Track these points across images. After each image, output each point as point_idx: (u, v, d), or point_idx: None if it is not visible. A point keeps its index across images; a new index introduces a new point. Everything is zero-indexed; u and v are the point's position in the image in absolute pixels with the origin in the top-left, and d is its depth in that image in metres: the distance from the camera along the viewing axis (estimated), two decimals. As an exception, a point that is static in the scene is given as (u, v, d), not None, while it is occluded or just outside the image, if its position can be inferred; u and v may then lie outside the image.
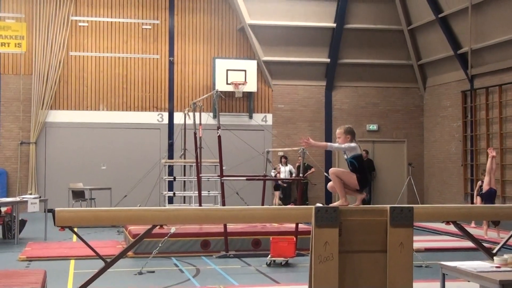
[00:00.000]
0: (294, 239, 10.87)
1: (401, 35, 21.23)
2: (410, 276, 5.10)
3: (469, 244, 10.39)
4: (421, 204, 17.00)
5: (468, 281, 6.72)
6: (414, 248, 7.72)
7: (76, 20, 19.92)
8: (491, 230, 14.01)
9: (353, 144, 7.08)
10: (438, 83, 20.88)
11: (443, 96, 20.62)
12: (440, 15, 19.21)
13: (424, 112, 21.73)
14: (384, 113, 21.66)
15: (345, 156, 7.05)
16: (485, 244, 8.13)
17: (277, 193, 19.71)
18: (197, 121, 13.95)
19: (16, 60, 19.56)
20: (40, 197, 14.68)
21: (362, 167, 6.99)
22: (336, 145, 7.13)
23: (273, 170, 19.05)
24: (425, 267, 10.21)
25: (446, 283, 6.42)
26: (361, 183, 6.87)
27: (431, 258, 10.78)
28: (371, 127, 21.54)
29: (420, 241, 12.86)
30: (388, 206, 5.22)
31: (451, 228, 8.73)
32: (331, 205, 6.14)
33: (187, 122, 16.20)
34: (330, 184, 7.00)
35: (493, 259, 6.56)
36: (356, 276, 5.05)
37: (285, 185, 19.78)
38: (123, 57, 20.21)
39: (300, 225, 11.76)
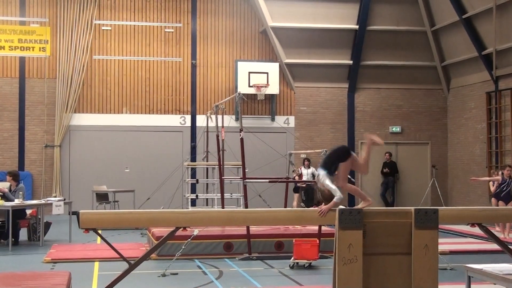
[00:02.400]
0: (317, 241, 10.84)
1: (425, 36, 21.08)
2: (435, 278, 5.06)
3: (494, 246, 10.28)
4: (445, 206, 16.85)
5: (494, 284, 6.65)
6: (439, 250, 7.66)
7: (99, 24, 20.06)
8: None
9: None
10: (462, 85, 20.70)
11: (467, 98, 20.43)
12: (464, 16, 19.03)
13: (448, 114, 21.55)
14: (408, 115, 21.52)
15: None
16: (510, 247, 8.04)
17: (297, 196, 19.61)
18: (220, 124, 13.96)
19: (40, 64, 19.75)
20: (64, 199, 14.80)
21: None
22: (333, 187, 6.74)
23: (293, 173, 18.96)
24: (450, 269, 10.12)
25: (472, 286, 6.36)
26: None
27: (456, 260, 10.69)
28: (394, 129, 21.41)
29: (445, 244, 12.76)
30: (412, 208, 5.19)
31: (476, 230, 8.65)
32: (355, 207, 6.07)
33: (209, 125, 16.23)
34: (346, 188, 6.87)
35: (519, 262, 6.48)
36: (381, 278, 5.01)
37: (303, 185, 19.65)
38: (146, 61, 20.31)
39: (323, 228, 11.72)
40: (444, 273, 9.81)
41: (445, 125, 21.60)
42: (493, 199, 15.05)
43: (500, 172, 15.53)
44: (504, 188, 13.79)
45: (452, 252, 12.02)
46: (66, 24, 19.70)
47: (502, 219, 9.46)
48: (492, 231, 7.85)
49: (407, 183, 21.36)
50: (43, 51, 19.67)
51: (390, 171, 20.83)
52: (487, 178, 14.83)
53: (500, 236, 13.06)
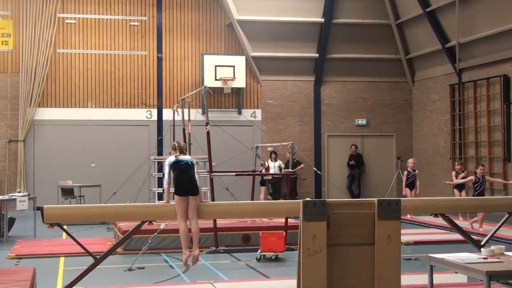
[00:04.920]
0: (284, 233, 10.90)
1: (389, 30, 21.27)
2: (398, 268, 5.13)
3: (458, 236, 10.45)
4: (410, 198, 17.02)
5: (456, 273, 6.77)
6: (403, 241, 7.76)
7: (63, 17, 19.81)
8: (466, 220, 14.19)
9: (166, 161, 7.83)
10: (426, 77, 20.95)
11: (431, 90, 20.69)
12: (427, 9, 19.25)
13: (413, 106, 21.80)
14: (373, 107, 21.71)
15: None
16: (473, 236, 8.20)
17: (263, 189, 19.68)
18: (186, 117, 13.93)
19: (3, 58, 19.43)
20: (29, 195, 14.63)
21: (177, 174, 7.66)
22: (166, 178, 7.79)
23: (260, 166, 19.01)
24: (414, 259, 10.27)
25: (434, 275, 6.46)
26: (176, 189, 7.52)
27: (420, 251, 10.84)
28: (360, 122, 21.58)
29: (409, 234, 12.93)
30: (375, 199, 5.25)
31: (441, 221, 8.79)
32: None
33: (176, 119, 16.17)
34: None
35: (480, 251, 6.60)
36: (345, 268, 5.07)
37: (270, 178, 19.71)
38: (111, 54, 20.13)
39: (290, 220, 11.79)
40: (409, 263, 9.96)
41: (410, 117, 21.85)
42: (455, 190, 15.35)
43: (460, 165, 15.85)
44: (477, 188, 13.74)
45: (416, 243, 12.18)
46: (29, 17, 19.42)
47: (464, 209, 9.61)
48: (456, 221, 7.99)
49: (373, 175, 21.57)
50: (5, 44, 19.36)
51: (356, 163, 21.01)
52: (461, 181, 14.88)
53: (467, 227, 13.22)
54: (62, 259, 10.77)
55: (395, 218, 5.16)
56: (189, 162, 7.72)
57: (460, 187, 15.27)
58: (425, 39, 20.16)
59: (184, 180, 7.56)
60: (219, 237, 11.49)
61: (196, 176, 7.74)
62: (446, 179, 18.87)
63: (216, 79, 19.92)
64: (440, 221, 9.98)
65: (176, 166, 7.69)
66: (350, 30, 21.12)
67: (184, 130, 14.11)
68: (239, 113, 20.65)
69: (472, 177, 13.89)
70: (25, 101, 19.28)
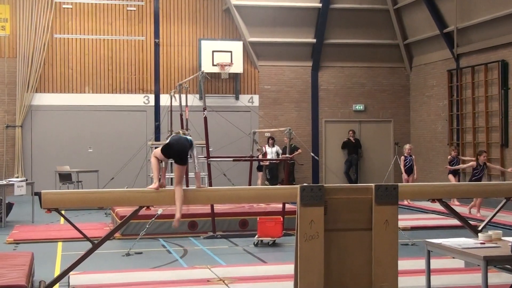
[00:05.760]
0: (281, 219, 10.91)
1: (387, 15, 21.20)
2: (395, 253, 5.15)
3: (456, 222, 10.48)
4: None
5: (453, 258, 6.79)
6: (401, 226, 7.78)
7: (60, 2, 19.71)
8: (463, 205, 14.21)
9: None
10: (424, 63, 20.91)
11: (429, 76, 20.67)
12: (425, -6, 19.21)
13: (410, 92, 21.79)
14: (371, 93, 21.69)
15: None
16: (470, 222, 8.22)
17: (261, 174, 19.68)
18: (183, 103, 13.91)
19: (0, 43, 19.36)
20: (26, 180, 14.62)
21: (174, 140, 7.42)
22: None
23: (257, 152, 18.99)
24: (412, 245, 10.29)
25: (432, 260, 6.47)
26: (164, 151, 7.40)
27: (418, 236, 10.87)
28: (357, 107, 21.57)
29: (406, 220, 12.96)
30: (373, 184, 5.25)
31: (438, 206, 8.81)
32: None
33: (173, 104, 16.14)
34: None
35: (478, 236, 6.62)
36: (342, 253, 5.08)
37: (267, 163, 19.72)
38: (108, 39, 20.06)
39: (287, 206, 11.80)
40: (406, 248, 9.99)
41: (407, 102, 21.84)
42: (450, 176, 15.33)
43: (454, 151, 15.85)
44: (477, 174, 13.69)
45: (413, 228, 12.21)
46: (26, 2, 19.31)
47: (462, 194, 9.61)
48: (452, 206, 8.01)
49: (370, 161, 21.59)
50: (2, 30, 19.28)
51: (355, 143, 20.98)
52: (463, 166, 14.88)
53: (465, 213, 13.22)
54: (60, 244, 10.78)
55: (392, 203, 5.16)
56: (188, 139, 7.54)
57: (455, 172, 15.31)
58: (423, 24, 20.10)
59: (175, 146, 7.37)
60: (216, 223, 11.51)
61: (196, 160, 7.60)
62: (443, 164, 18.96)
63: (213, 65, 19.88)
64: (437, 206, 10.01)
65: (177, 135, 7.59)
66: (347, 15, 21.05)
67: (181, 115, 14.10)
68: (237, 98, 20.62)
69: (473, 163, 13.77)
70: (22, 86, 19.23)
